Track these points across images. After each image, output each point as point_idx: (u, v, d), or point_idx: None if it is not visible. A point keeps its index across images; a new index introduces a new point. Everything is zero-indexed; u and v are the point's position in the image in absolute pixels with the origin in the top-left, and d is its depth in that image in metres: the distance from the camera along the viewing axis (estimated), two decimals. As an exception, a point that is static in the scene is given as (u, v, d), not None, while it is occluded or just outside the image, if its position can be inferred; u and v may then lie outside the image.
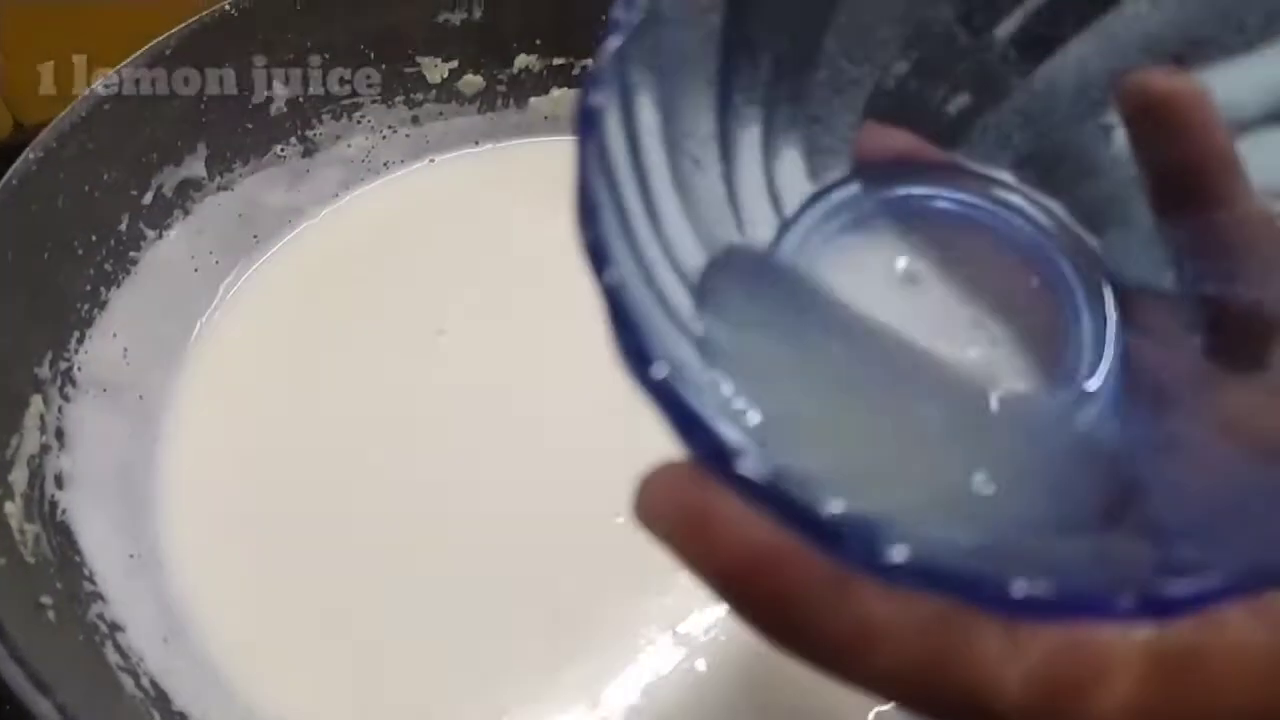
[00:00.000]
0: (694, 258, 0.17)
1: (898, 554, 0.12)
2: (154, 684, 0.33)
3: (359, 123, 0.47)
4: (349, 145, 0.47)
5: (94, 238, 0.39)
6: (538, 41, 0.48)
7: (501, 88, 0.49)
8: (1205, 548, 0.14)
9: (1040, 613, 0.12)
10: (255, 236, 0.45)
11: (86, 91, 0.38)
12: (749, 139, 0.18)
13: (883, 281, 0.19)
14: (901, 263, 0.19)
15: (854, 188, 0.19)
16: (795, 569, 0.14)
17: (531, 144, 0.50)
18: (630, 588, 0.37)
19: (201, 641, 0.35)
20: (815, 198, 0.19)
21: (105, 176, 0.39)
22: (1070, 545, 0.16)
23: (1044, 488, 0.17)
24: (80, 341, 0.39)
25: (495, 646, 0.36)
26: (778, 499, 0.13)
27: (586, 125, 0.14)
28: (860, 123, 0.19)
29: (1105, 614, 0.12)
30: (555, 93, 0.49)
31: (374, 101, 0.47)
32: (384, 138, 0.48)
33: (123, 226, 0.41)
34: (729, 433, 0.13)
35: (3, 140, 0.50)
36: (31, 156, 0.36)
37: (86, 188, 0.39)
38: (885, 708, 0.35)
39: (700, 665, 0.35)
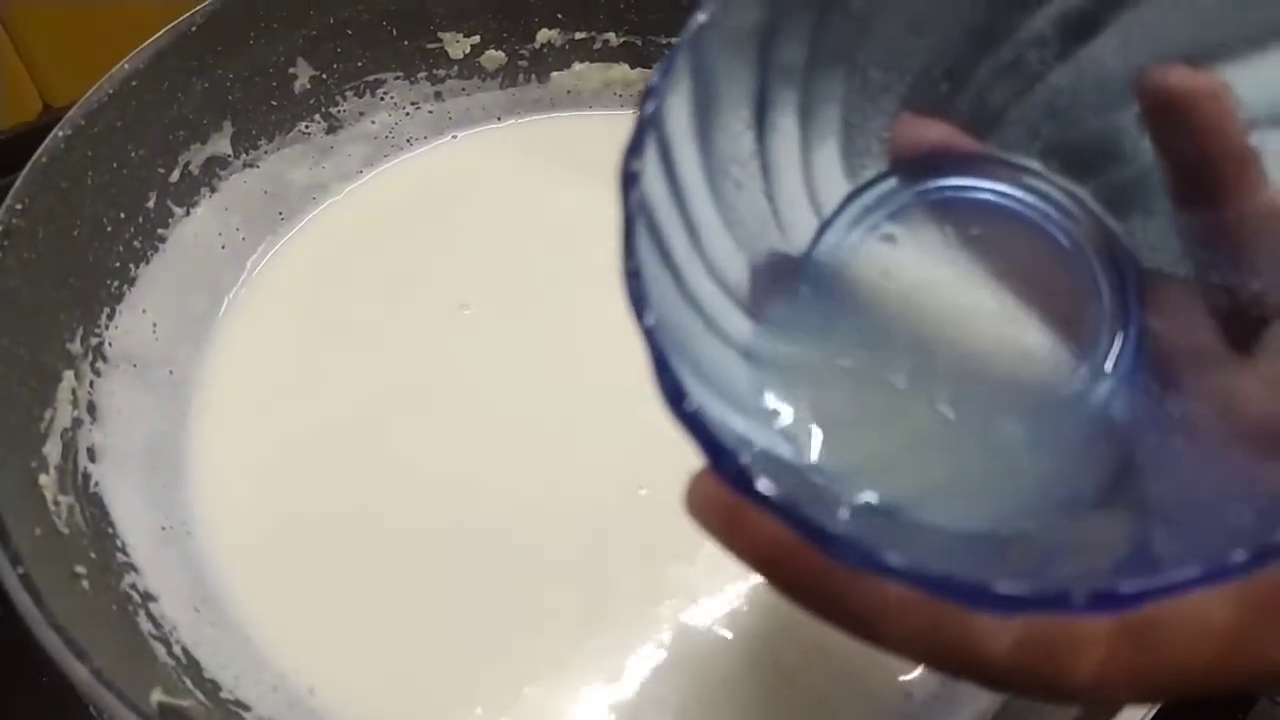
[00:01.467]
0: (738, 272, 0.19)
1: (891, 559, 0.14)
2: (185, 652, 0.34)
3: (382, 99, 0.47)
4: (372, 122, 0.47)
5: (123, 215, 0.40)
6: (559, 16, 0.48)
7: (523, 63, 0.49)
8: (1176, 535, 0.16)
9: (1009, 608, 0.14)
10: (281, 213, 0.45)
11: (114, 70, 0.39)
12: (787, 149, 0.19)
13: (915, 270, 0.20)
14: (934, 252, 0.20)
15: (890, 182, 0.20)
16: (816, 554, 0.16)
17: (554, 119, 0.50)
18: (653, 558, 0.37)
19: (232, 611, 0.36)
20: (853, 195, 0.20)
21: (133, 154, 0.40)
22: (1059, 528, 0.17)
23: (1054, 467, 0.19)
24: (110, 317, 0.39)
25: (520, 616, 0.36)
26: (788, 514, 0.15)
27: (627, 186, 0.16)
28: (884, 133, 0.20)
29: (1064, 609, 0.14)
30: (577, 67, 0.49)
31: (397, 78, 0.47)
32: (407, 114, 0.48)
33: (151, 204, 0.41)
34: (751, 453, 0.15)
35: (32, 122, 0.51)
36: (61, 134, 0.37)
37: (115, 165, 0.39)
38: (909, 677, 0.35)
39: (724, 634, 0.36)
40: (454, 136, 0.49)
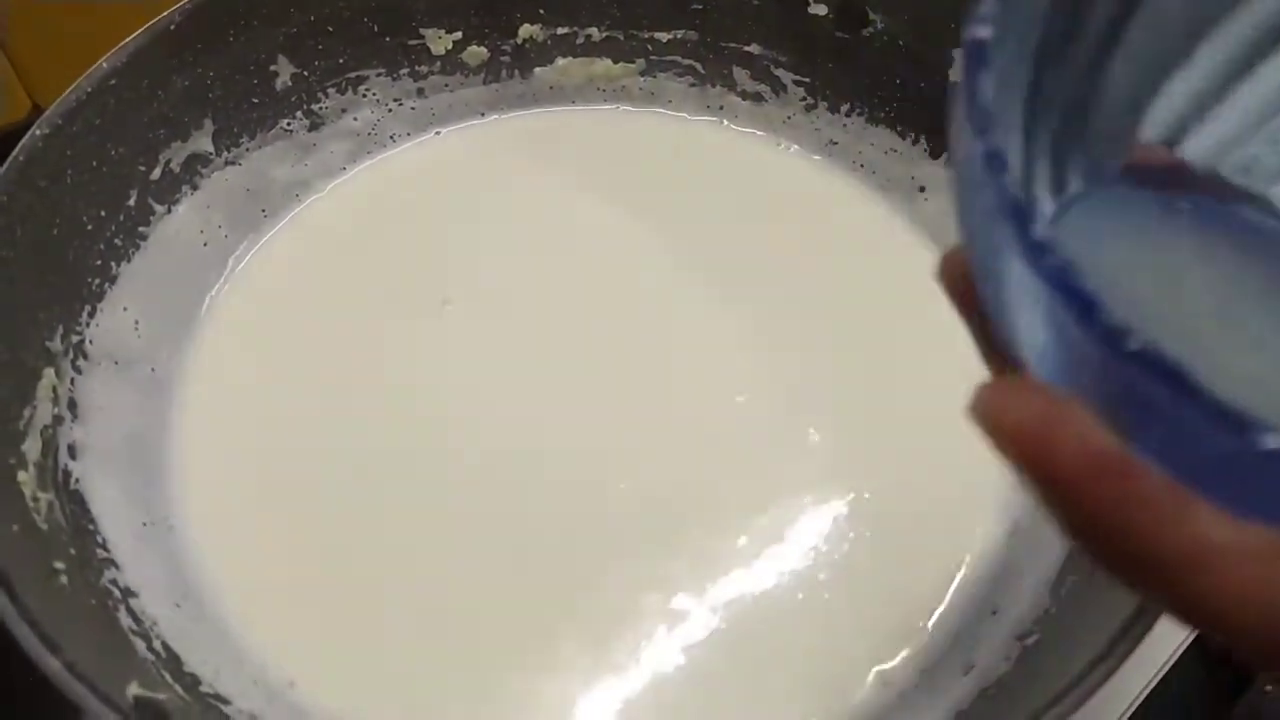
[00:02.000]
0: None
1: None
2: (166, 647, 0.34)
3: (364, 96, 0.47)
4: (355, 119, 0.47)
5: (103, 213, 0.40)
6: (541, 11, 0.48)
7: (506, 58, 0.49)
8: None
9: None
10: (263, 210, 0.46)
11: (91, 69, 0.39)
12: (1045, 123, 0.19)
13: (1152, 267, 0.20)
14: (1165, 252, 0.20)
15: (1124, 186, 0.21)
16: (1142, 478, 0.14)
17: (537, 114, 0.50)
18: (635, 551, 0.37)
19: (213, 606, 0.36)
20: (1087, 192, 0.21)
21: (113, 152, 0.40)
22: None
23: None
24: (91, 315, 0.39)
25: (500, 608, 0.36)
26: (1174, 375, 0.13)
27: (975, 56, 0.15)
28: (1135, 133, 0.20)
29: None
30: (560, 62, 0.49)
31: (379, 74, 0.47)
32: (390, 110, 0.48)
33: (131, 201, 0.41)
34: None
35: (20, 122, 0.51)
36: (39, 133, 0.37)
37: (94, 163, 0.39)
38: (886, 666, 0.35)
39: (705, 625, 0.36)
40: (437, 132, 0.49)
